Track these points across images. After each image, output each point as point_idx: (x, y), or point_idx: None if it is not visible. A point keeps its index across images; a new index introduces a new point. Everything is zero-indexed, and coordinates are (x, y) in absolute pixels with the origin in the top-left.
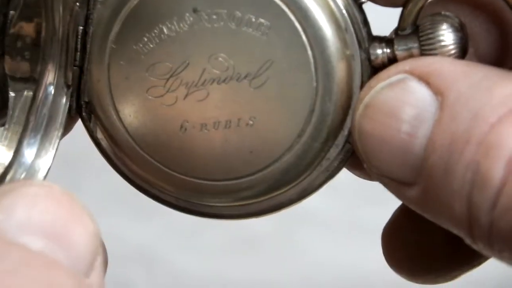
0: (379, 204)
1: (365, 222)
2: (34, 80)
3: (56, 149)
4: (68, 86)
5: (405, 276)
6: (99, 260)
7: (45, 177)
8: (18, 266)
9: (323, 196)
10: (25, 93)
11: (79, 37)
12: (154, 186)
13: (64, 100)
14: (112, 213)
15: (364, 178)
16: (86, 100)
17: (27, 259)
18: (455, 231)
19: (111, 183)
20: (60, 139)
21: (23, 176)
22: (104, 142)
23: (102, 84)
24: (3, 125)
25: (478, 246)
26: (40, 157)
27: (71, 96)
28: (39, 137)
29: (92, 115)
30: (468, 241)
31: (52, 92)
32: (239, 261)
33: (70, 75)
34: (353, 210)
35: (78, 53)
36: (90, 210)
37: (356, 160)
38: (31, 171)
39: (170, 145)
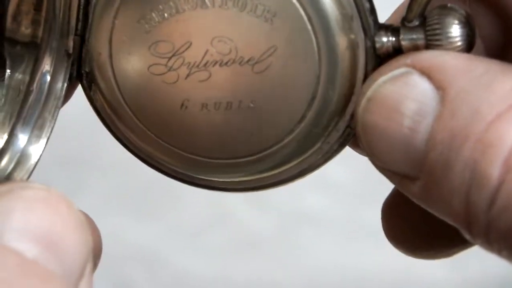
0: (381, 205)
1: (367, 224)
2: (35, 46)
3: (55, 121)
4: (69, 55)
5: (404, 251)
6: (88, 268)
7: (37, 161)
8: (14, 275)
9: (326, 197)
10: (26, 58)
11: (81, 6)
12: (152, 158)
13: (64, 68)
14: (114, 213)
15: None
16: (87, 70)
17: (23, 268)
18: (455, 226)
19: (114, 184)
20: (60, 108)
21: (16, 158)
22: (103, 111)
23: (103, 57)
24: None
25: (477, 243)
26: (33, 139)
27: (72, 65)
28: (38, 107)
29: (93, 84)
30: (467, 237)
31: (54, 59)
32: (242, 262)
33: (71, 43)
34: (355, 212)
35: (80, 22)
36: (84, 214)
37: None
38: (24, 154)
39: (170, 121)
